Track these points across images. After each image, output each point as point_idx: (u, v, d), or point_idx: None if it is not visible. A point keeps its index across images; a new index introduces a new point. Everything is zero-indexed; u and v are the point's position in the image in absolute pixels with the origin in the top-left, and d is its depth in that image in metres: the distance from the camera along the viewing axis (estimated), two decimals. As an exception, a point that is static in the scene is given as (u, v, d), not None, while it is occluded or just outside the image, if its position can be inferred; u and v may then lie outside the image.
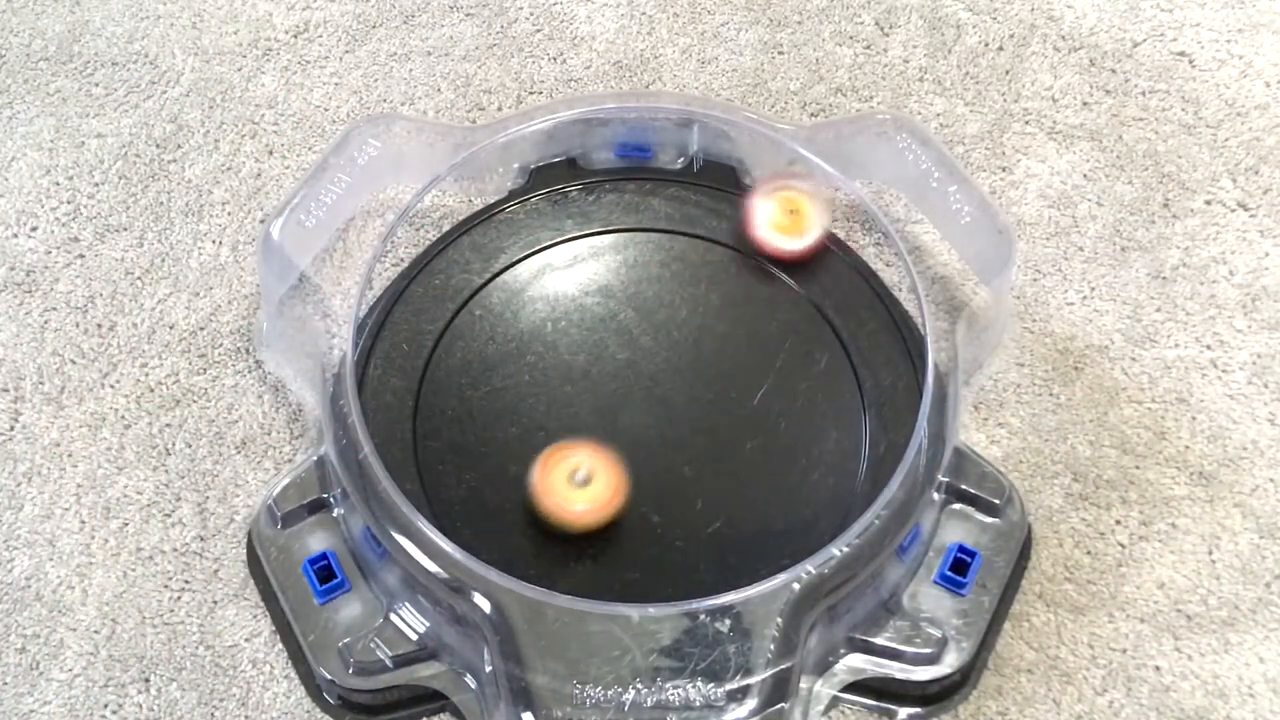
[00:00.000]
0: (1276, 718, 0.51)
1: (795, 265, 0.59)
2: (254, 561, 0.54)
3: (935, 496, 0.53)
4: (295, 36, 0.70)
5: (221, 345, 0.60)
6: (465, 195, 0.64)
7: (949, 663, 0.50)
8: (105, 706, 0.51)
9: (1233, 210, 0.64)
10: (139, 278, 0.62)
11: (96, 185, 0.65)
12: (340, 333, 0.59)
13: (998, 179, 0.65)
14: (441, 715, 0.51)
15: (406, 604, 0.51)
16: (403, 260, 0.61)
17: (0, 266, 0.62)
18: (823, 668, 0.51)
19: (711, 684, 0.47)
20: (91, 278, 0.62)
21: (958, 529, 0.53)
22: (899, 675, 0.50)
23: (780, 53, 0.69)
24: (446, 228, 0.61)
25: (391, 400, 0.55)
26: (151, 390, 0.58)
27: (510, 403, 0.55)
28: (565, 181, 0.62)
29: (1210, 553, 0.54)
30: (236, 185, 0.65)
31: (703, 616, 0.48)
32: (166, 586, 0.54)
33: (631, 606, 0.48)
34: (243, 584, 0.54)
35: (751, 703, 0.47)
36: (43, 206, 0.64)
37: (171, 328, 0.60)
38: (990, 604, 0.51)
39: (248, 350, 0.59)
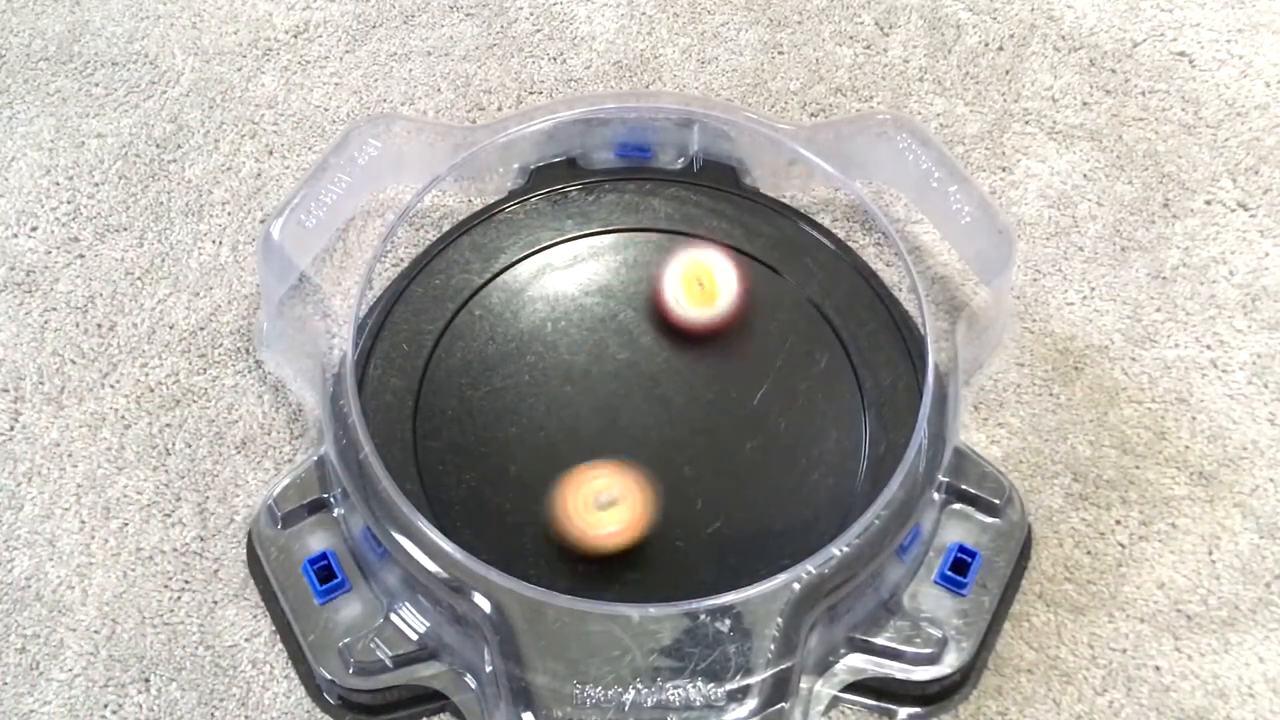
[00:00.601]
0: (1276, 718, 0.51)
1: (707, 335, 0.57)
2: (254, 561, 0.54)
3: (935, 496, 0.53)
4: (295, 36, 0.70)
5: (221, 345, 0.60)
6: (465, 195, 0.64)
7: (949, 663, 0.50)
8: (105, 706, 0.51)
9: (1233, 210, 0.64)
10: (139, 278, 0.62)
11: (96, 185, 0.65)
12: (340, 333, 0.59)
13: (998, 179, 0.65)
14: (442, 715, 0.51)
15: (407, 604, 0.51)
16: (403, 260, 0.61)
17: (0, 266, 0.62)
18: (823, 668, 0.51)
19: (712, 684, 0.47)
20: (91, 278, 0.62)
21: (958, 529, 0.53)
22: (899, 675, 0.50)
23: (780, 53, 0.69)
24: (446, 228, 0.61)
25: (392, 400, 0.55)
26: (151, 390, 0.58)
27: (510, 403, 0.55)
28: (565, 181, 0.62)
29: (1210, 553, 0.54)
30: (236, 185, 0.65)
31: (703, 616, 0.48)
32: (166, 586, 0.54)
33: (632, 606, 0.48)
34: (243, 584, 0.54)
35: (752, 703, 0.47)
36: (43, 206, 0.64)
37: (171, 328, 0.60)
38: (990, 604, 0.51)
39: (248, 350, 0.59)
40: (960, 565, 0.52)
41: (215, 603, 0.53)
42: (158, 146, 0.66)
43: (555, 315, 0.58)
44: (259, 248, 0.57)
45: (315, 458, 0.54)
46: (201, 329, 0.60)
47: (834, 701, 0.51)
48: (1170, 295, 0.61)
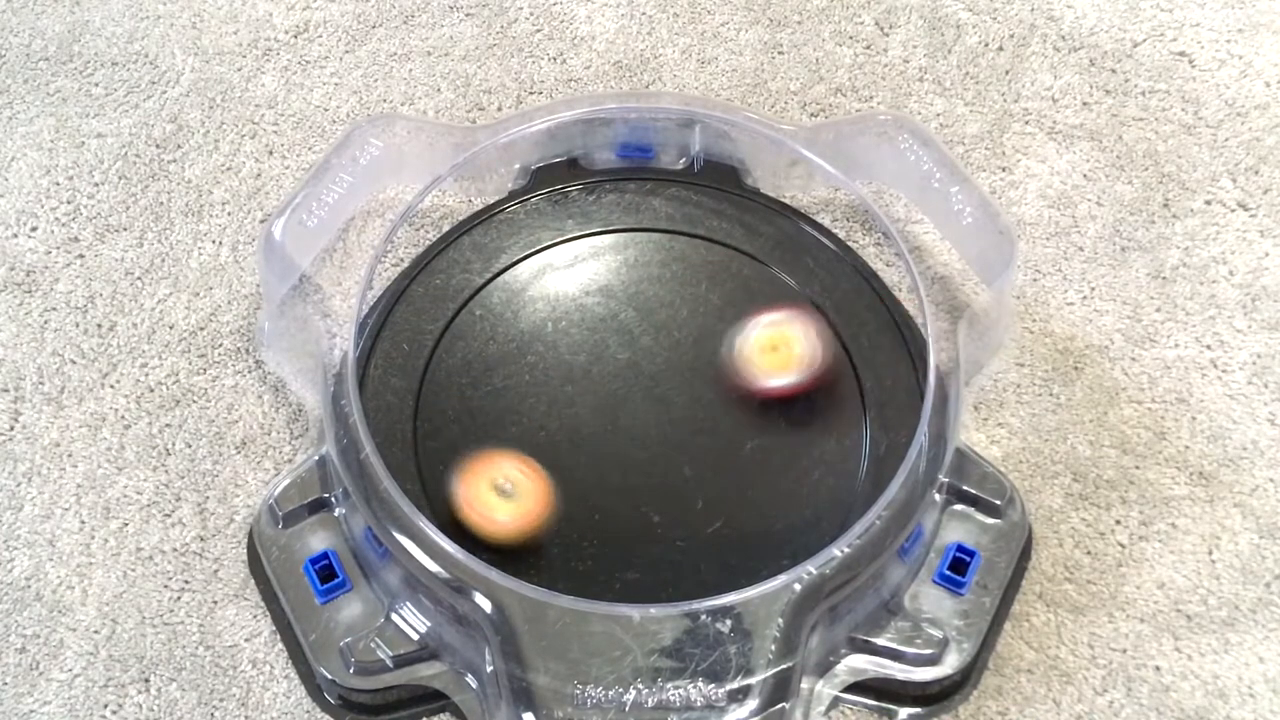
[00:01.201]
0: (1276, 718, 0.51)
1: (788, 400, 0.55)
2: (255, 561, 0.54)
3: (936, 497, 0.53)
4: (295, 36, 0.70)
5: (221, 345, 0.60)
6: (465, 195, 0.64)
7: (950, 663, 0.50)
8: (105, 706, 0.51)
9: (1233, 210, 0.64)
10: (139, 278, 0.62)
11: (96, 185, 0.65)
12: (341, 332, 0.59)
13: (998, 179, 0.65)
14: (442, 715, 0.51)
15: (407, 604, 0.51)
16: (403, 260, 0.61)
17: (0, 266, 0.62)
18: (824, 668, 0.51)
19: (712, 684, 0.47)
20: (91, 278, 0.62)
21: (958, 529, 0.53)
22: (900, 676, 0.50)
23: (780, 53, 0.69)
24: (447, 228, 0.61)
25: (392, 400, 0.55)
26: (151, 390, 0.58)
27: (510, 403, 0.55)
28: (566, 181, 0.62)
29: (1210, 553, 0.54)
30: (236, 185, 0.65)
31: (704, 617, 0.48)
32: (166, 586, 0.54)
33: (632, 607, 0.48)
34: (243, 584, 0.54)
35: (752, 703, 0.47)
36: (43, 206, 0.64)
37: (171, 328, 0.60)
38: (991, 604, 0.51)
39: (248, 350, 0.59)
40: (959, 565, 0.52)
41: (215, 603, 0.53)
42: (158, 146, 0.66)
43: (555, 315, 0.58)
44: (260, 247, 0.57)
45: (316, 457, 0.54)
46: (201, 329, 0.60)
47: (835, 702, 0.51)
48: (1170, 295, 0.61)
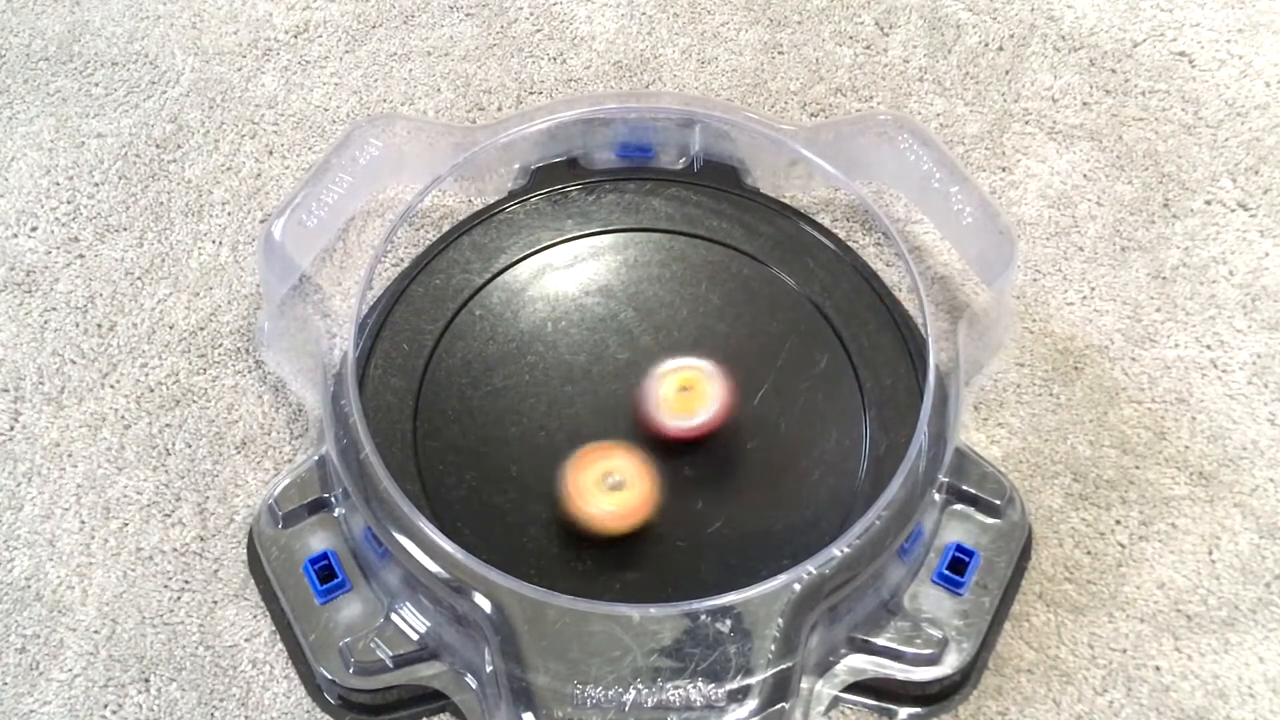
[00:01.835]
0: (1276, 718, 0.51)
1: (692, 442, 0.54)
2: (254, 561, 0.54)
3: (936, 497, 0.53)
4: (295, 36, 0.70)
5: (221, 345, 0.60)
6: (465, 195, 0.64)
7: (949, 663, 0.50)
8: (105, 706, 0.51)
9: (1233, 210, 0.64)
10: (139, 278, 0.62)
11: (96, 185, 0.65)
12: (341, 332, 0.59)
13: (998, 179, 0.65)
14: (442, 715, 0.51)
15: (407, 604, 0.51)
16: (403, 260, 0.61)
17: (0, 266, 0.62)
18: (823, 668, 0.51)
19: (712, 684, 0.47)
20: (91, 278, 0.62)
21: (958, 529, 0.53)
22: (900, 675, 0.50)
23: (780, 53, 0.69)
24: (446, 228, 0.61)
25: (392, 400, 0.55)
26: (151, 390, 0.58)
27: (510, 403, 0.55)
28: (566, 181, 0.62)
29: (1210, 553, 0.54)
30: (236, 185, 0.65)
31: (703, 617, 0.48)
32: (166, 586, 0.54)
33: (632, 607, 0.48)
34: (243, 584, 0.54)
35: (752, 703, 0.47)
36: (43, 206, 0.64)
37: (171, 328, 0.60)
38: (991, 604, 0.51)
39: (248, 350, 0.59)
40: (958, 565, 0.52)
41: (215, 603, 0.53)
42: (158, 146, 0.66)
43: (555, 315, 0.58)
44: (260, 247, 0.57)
45: (316, 457, 0.54)
46: (201, 329, 0.60)
47: (834, 702, 0.51)
48: (1170, 295, 0.61)
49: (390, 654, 0.50)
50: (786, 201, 0.62)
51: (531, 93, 0.68)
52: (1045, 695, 0.51)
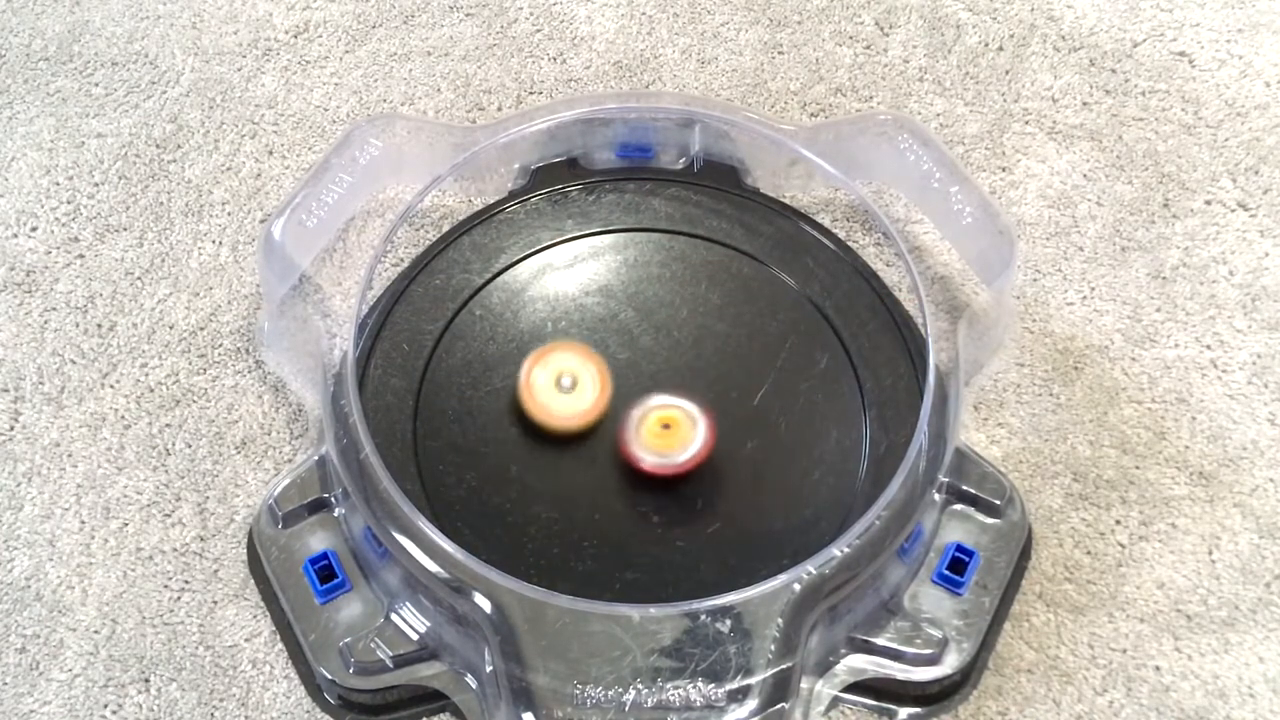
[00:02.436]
0: (1276, 718, 0.51)
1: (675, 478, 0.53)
2: (254, 561, 0.54)
3: (936, 497, 0.53)
4: (295, 36, 0.70)
5: (221, 345, 0.60)
6: (465, 195, 0.64)
7: (949, 663, 0.50)
8: (105, 706, 0.51)
9: (1233, 210, 0.64)
10: (139, 278, 0.62)
11: (96, 185, 0.65)
12: (341, 332, 0.59)
13: (998, 179, 0.65)
14: (442, 715, 0.51)
15: (407, 604, 0.51)
16: (403, 260, 0.61)
17: (0, 266, 0.62)
18: (823, 668, 0.51)
19: (712, 684, 0.47)
20: (91, 278, 0.62)
21: (958, 529, 0.53)
22: (899, 675, 0.50)
23: (780, 53, 0.69)
24: (446, 228, 0.61)
25: (392, 400, 0.55)
26: (151, 390, 0.58)
27: (510, 403, 0.55)
28: (566, 181, 0.62)
29: (1210, 553, 0.54)
30: (236, 185, 0.65)
31: (703, 617, 0.48)
32: (166, 586, 0.54)
33: (632, 607, 0.48)
34: (243, 584, 0.54)
35: (752, 703, 0.47)
36: (43, 206, 0.64)
37: (171, 328, 0.60)
38: (991, 604, 0.51)
39: (248, 350, 0.59)
40: (958, 565, 0.52)
41: (215, 603, 0.53)
42: (158, 146, 0.66)
43: (555, 315, 0.58)
44: (260, 247, 0.57)
45: (316, 457, 0.54)
46: (201, 329, 0.60)
47: (834, 702, 0.51)
48: (1170, 295, 0.61)
49: (390, 654, 0.50)
50: (786, 201, 0.62)
51: (531, 93, 0.68)
52: (1045, 695, 0.51)
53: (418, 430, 0.55)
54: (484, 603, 0.48)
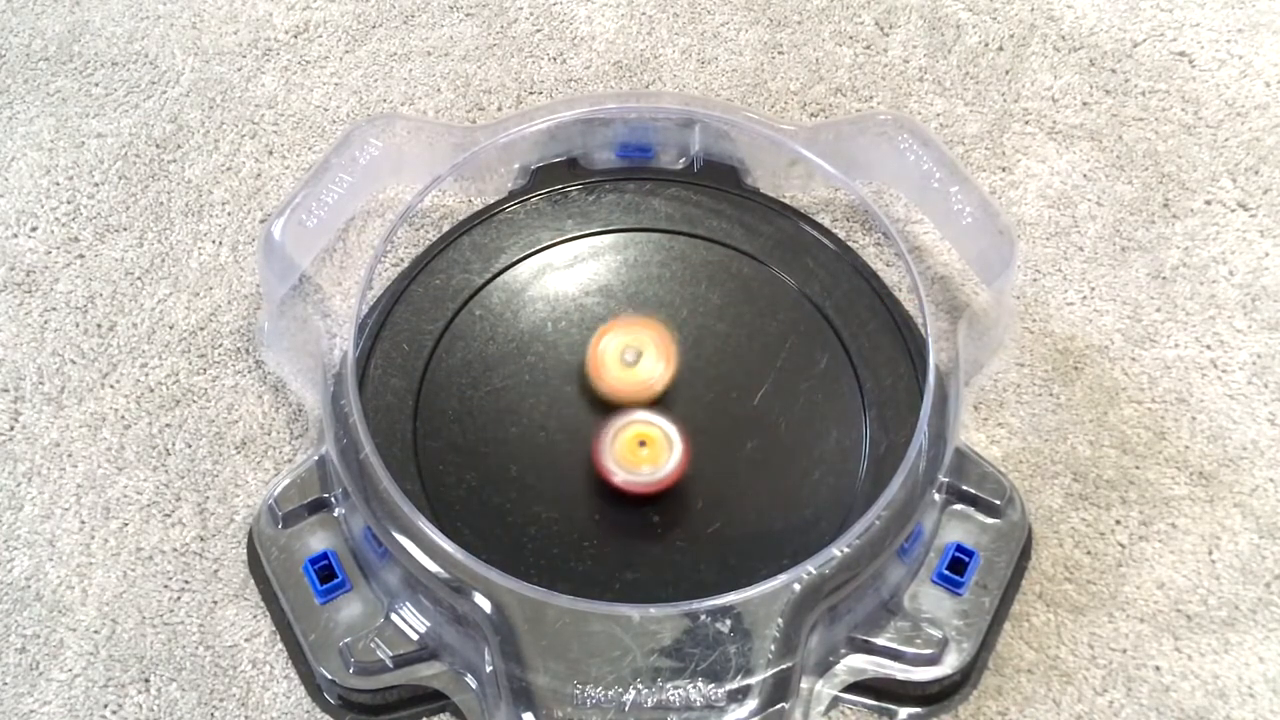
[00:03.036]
0: (1276, 718, 0.51)
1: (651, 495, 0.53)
2: (254, 561, 0.54)
3: (936, 497, 0.53)
4: (295, 36, 0.70)
5: (221, 345, 0.60)
6: (465, 195, 0.64)
7: (949, 663, 0.50)
8: (105, 706, 0.51)
9: (1233, 210, 0.64)
10: (139, 278, 0.62)
11: (96, 185, 0.65)
12: (341, 332, 0.59)
13: (998, 179, 0.65)
14: (442, 715, 0.51)
15: (407, 604, 0.51)
16: (403, 260, 0.61)
17: (0, 266, 0.62)
18: (823, 668, 0.51)
19: (712, 684, 0.47)
20: (91, 278, 0.62)
21: (958, 529, 0.53)
22: (899, 675, 0.50)
23: (780, 53, 0.69)
24: (446, 228, 0.61)
25: (392, 400, 0.55)
26: (151, 390, 0.58)
27: (510, 403, 0.55)
28: (566, 181, 0.62)
29: (1210, 553, 0.54)
30: (236, 185, 0.65)
31: (703, 617, 0.48)
32: (166, 586, 0.54)
33: (632, 607, 0.48)
34: (243, 584, 0.54)
35: (752, 703, 0.47)
36: (43, 206, 0.64)
37: (171, 328, 0.60)
38: (991, 604, 0.51)
39: (248, 350, 0.59)
40: (958, 565, 0.52)
41: (215, 603, 0.53)
42: (158, 146, 0.66)
43: (555, 315, 0.58)
44: (260, 248, 0.57)
45: (316, 457, 0.54)
46: (201, 329, 0.60)
47: (834, 702, 0.51)
48: (1170, 295, 0.61)
49: (390, 654, 0.50)
50: (786, 201, 0.62)
51: (531, 93, 0.68)
52: (1045, 695, 0.51)
53: (418, 430, 0.55)
54: (484, 603, 0.48)
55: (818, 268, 0.59)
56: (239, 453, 0.57)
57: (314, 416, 0.56)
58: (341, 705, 0.51)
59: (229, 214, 0.64)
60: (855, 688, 0.51)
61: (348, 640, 0.50)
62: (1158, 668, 0.52)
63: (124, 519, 0.55)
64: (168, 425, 0.58)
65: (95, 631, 0.53)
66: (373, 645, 0.50)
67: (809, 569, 0.49)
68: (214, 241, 0.63)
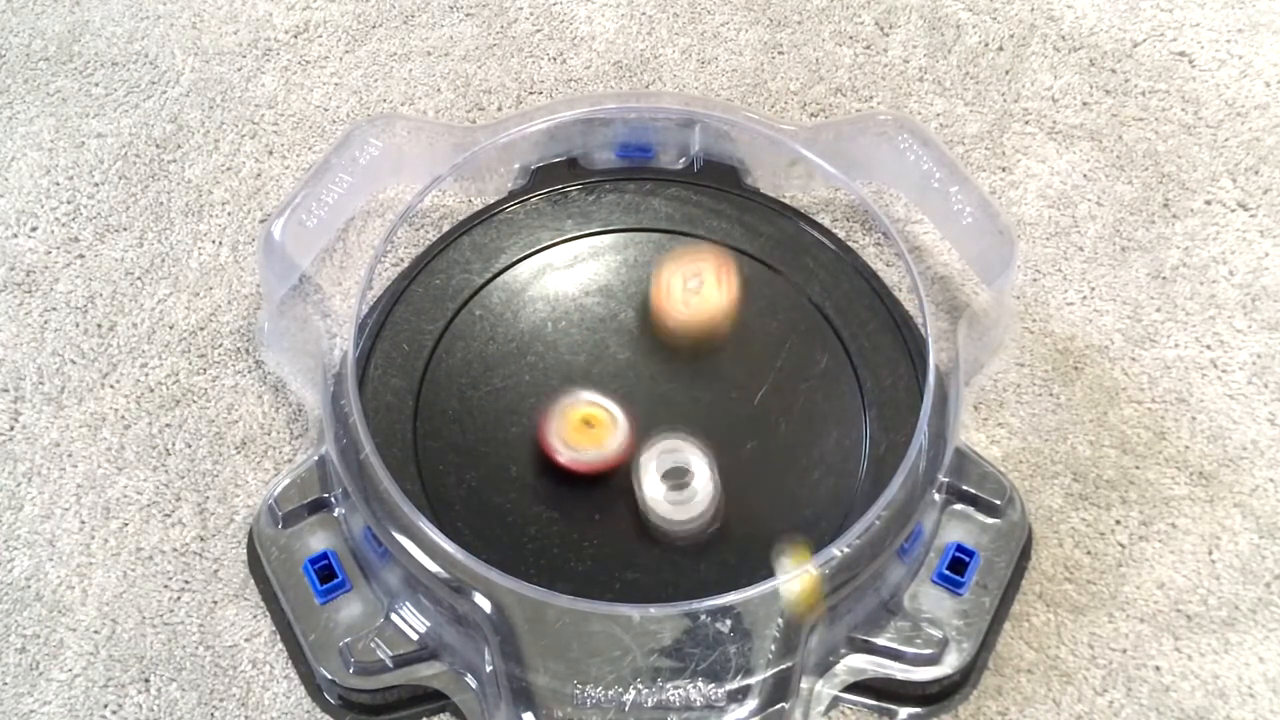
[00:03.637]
0: (1276, 718, 0.51)
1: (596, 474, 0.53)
2: (254, 561, 0.54)
3: (936, 497, 0.53)
4: (295, 36, 0.70)
5: (221, 345, 0.60)
6: (465, 195, 0.64)
7: (949, 663, 0.50)
8: (105, 706, 0.51)
9: (1233, 210, 0.64)
10: (139, 278, 0.62)
11: (96, 185, 0.65)
12: (341, 332, 0.59)
13: (998, 179, 0.65)
14: (442, 715, 0.51)
15: (407, 604, 0.51)
16: (403, 260, 0.61)
17: (0, 266, 0.62)
18: (823, 668, 0.51)
19: (712, 684, 0.47)
20: (91, 278, 0.62)
21: (958, 529, 0.53)
22: (899, 675, 0.50)
23: (780, 53, 0.69)
24: (446, 228, 0.61)
25: (392, 400, 0.55)
26: (151, 390, 0.58)
27: (510, 403, 0.55)
28: (566, 181, 0.62)
29: (1210, 553, 0.54)
30: (236, 185, 0.65)
31: (703, 617, 0.48)
32: (166, 586, 0.54)
33: (632, 607, 0.48)
34: (243, 584, 0.54)
35: (752, 703, 0.47)
36: (43, 206, 0.64)
37: (171, 328, 0.60)
38: (991, 604, 0.51)
39: (248, 350, 0.59)
40: (958, 565, 0.52)
41: (215, 603, 0.53)
42: (158, 146, 0.66)
43: (555, 315, 0.58)
44: (260, 247, 0.57)
45: (316, 457, 0.54)
46: (201, 329, 0.60)
47: (834, 702, 0.51)
48: (1170, 295, 0.61)
49: (390, 654, 0.50)
50: (786, 201, 0.62)
51: (531, 93, 0.68)
52: (1045, 695, 0.51)
53: (418, 430, 0.55)
54: (484, 603, 0.48)
55: (818, 268, 0.59)
56: (239, 453, 0.57)
57: (314, 416, 0.56)
58: (341, 705, 0.51)
59: (229, 214, 0.64)
60: (855, 688, 0.51)
61: (348, 640, 0.50)
62: (1158, 668, 0.52)
63: (124, 519, 0.55)
64: (168, 425, 0.58)
65: (95, 631, 0.53)
66: (373, 645, 0.50)
67: (809, 569, 0.49)
68: (214, 241, 0.63)
